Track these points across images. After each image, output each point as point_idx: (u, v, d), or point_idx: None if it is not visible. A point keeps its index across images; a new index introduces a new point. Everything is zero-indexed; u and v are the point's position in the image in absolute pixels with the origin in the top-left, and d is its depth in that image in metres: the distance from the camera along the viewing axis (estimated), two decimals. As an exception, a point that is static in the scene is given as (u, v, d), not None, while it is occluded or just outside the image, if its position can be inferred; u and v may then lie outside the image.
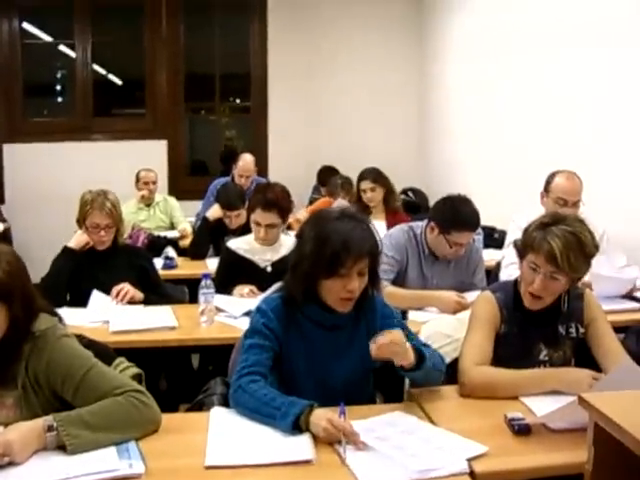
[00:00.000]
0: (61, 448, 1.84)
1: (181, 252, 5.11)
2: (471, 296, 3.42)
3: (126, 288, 3.49)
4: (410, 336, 2.37)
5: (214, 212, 4.94)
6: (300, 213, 4.98)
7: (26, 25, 7.93)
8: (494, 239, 5.28)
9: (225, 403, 2.28)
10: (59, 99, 8.99)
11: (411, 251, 3.66)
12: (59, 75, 8.85)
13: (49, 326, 2.09)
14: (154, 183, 6.42)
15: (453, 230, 3.48)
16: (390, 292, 3.33)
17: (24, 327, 2.01)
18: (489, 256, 4.50)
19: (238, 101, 8.93)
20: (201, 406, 2.37)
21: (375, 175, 5.41)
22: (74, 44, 7.92)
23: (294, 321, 2.31)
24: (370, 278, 2.29)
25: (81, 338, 2.23)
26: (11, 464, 1.76)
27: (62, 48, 8.23)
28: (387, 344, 2.11)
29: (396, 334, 2.15)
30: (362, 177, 5.44)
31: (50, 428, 1.84)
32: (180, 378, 3.43)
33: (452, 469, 1.80)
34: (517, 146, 5.66)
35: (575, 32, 4.80)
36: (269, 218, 3.71)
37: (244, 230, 4.34)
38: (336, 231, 2.20)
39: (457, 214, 3.48)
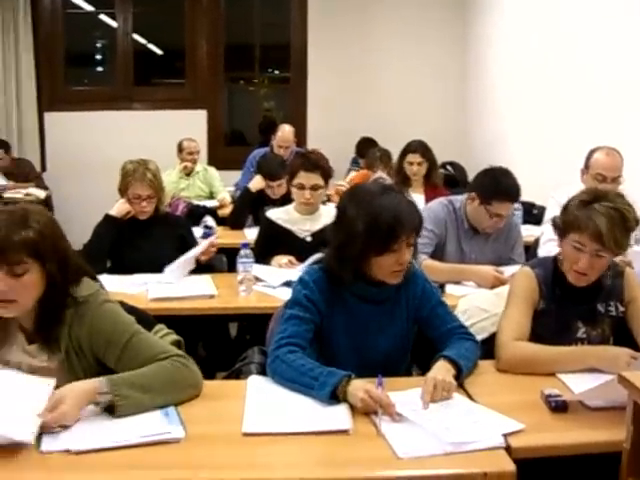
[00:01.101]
0: (106, 411, 1.90)
1: (219, 221, 5.15)
2: (509, 271, 3.41)
3: None
4: (446, 317, 2.40)
5: (256, 183, 4.93)
6: (340, 184, 4.96)
7: (67, -5, 7.98)
8: (533, 215, 5.22)
9: (262, 372, 2.30)
10: (99, 68, 9.06)
11: (450, 225, 3.64)
12: (99, 44, 8.91)
13: (92, 292, 2.13)
14: (197, 153, 6.46)
15: (494, 200, 3.46)
16: (428, 265, 3.33)
17: (62, 287, 2.04)
18: (528, 232, 4.47)
19: (277, 72, 8.91)
20: (238, 374, 2.41)
21: (423, 149, 5.35)
22: (115, 14, 7.95)
23: (337, 294, 2.32)
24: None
25: (122, 304, 2.25)
26: (61, 428, 1.81)
27: (103, 18, 8.28)
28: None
29: (436, 383, 2.08)
30: (410, 150, 5.37)
31: (101, 388, 1.89)
32: (217, 346, 3.47)
33: (488, 443, 1.80)
34: (558, 122, 5.58)
35: (622, 7, 4.70)
36: (313, 179, 3.70)
37: (283, 201, 4.35)
38: (386, 207, 2.20)
39: (498, 184, 3.46)
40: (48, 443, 1.77)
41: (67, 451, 1.73)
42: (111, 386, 1.90)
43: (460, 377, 2.18)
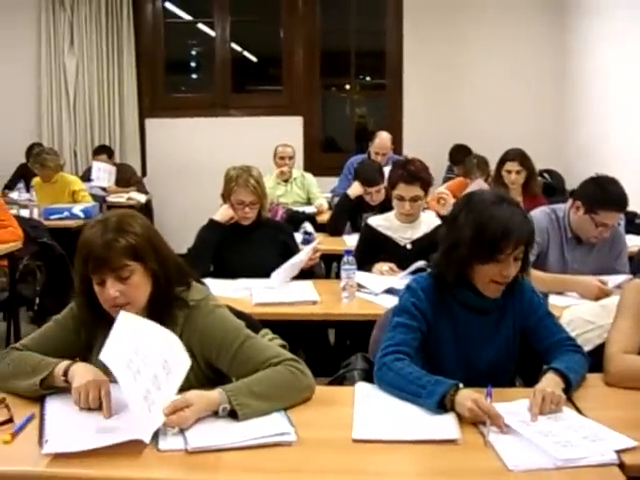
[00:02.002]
0: (229, 416, 1.94)
1: (318, 227, 5.20)
2: (612, 281, 3.34)
3: None
4: (554, 328, 2.37)
5: (355, 190, 4.97)
6: (441, 192, 4.93)
7: (168, 5, 8.23)
8: (635, 224, 5.10)
9: (366, 378, 2.32)
10: (196, 75, 9.29)
11: (553, 234, 3.58)
12: (196, 52, 9.13)
13: (202, 297, 2.20)
14: (290, 158, 6.51)
15: (600, 209, 3.38)
16: (531, 275, 3.29)
17: (167, 285, 2.12)
18: (630, 242, 4.35)
19: (368, 78, 8.93)
20: (342, 380, 2.43)
21: (522, 157, 5.28)
22: (213, 22, 8.14)
23: (444, 302, 2.32)
24: (521, 263, 2.28)
25: (229, 309, 2.30)
26: (184, 430, 1.86)
27: (201, 26, 8.48)
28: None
29: (545, 395, 2.04)
30: (508, 158, 5.32)
31: (222, 400, 1.93)
32: (317, 352, 3.51)
33: (600, 459, 1.75)
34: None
35: None
36: (413, 191, 3.71)
37: (383, 207, 4.37)
38: (496, 217, 2.19)
39: (605, 193, 3.38)
40: (166, 441, 1.82)
41: (185, 450, 1.79)
42: (231, 396, 1.93)
43: (569, 391, 2.14)
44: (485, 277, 2.24)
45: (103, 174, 7.29)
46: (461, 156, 6.67)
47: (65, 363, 2.07)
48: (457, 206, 2.40)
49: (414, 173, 3.72)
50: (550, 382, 2.11)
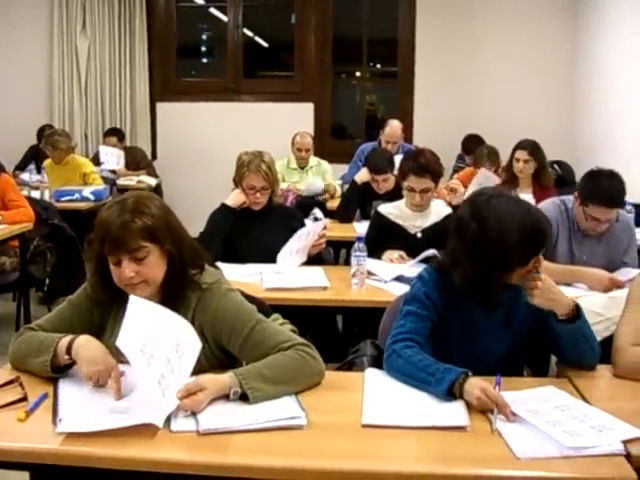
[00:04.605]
0: (240, 399, 1.96)
1: (328, 214, 5.21)
2: (621, 274, 3.35)
3: None
4: None
5: (362, 176, 5.00)
6: (453, 182, 4.93)
7: (181, -12, 8.21)
8: (646, 218, 5.07)
9: (375, 365, 2.34)
10: (206, 60, 9.28)
11: (562, 225, 3.59)
12: (207, 37, 9.12)
13: (215, 279, 2.22)
14: (307, 151, 6.41)
15: (589, 202, 3.40)
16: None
17: (182, 267, 2.14)
18: (640, 235, 4.35)
19: (379, 66, 8.91)
20: (351, 366, 2.45)
21: (532, 148, 5.28)
22: (225, 7, 8.12)
23: (454, 295, 2.32)
24: None
25: (240, 293, 2.31)
26: (196, 413, 1.88)
27: (213, 11, 8.47)
28: (542, 291, 2.17)
29: (546, 282, 2.19)
30: (519, 146, 5.32)
31: (233, 383, 1.95)
32: (326, 337, 3.53)
33: (607, 449, 1.77)
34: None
35: None
36: (423, 183, 3.72)
37: (391, 195, 4.37)
38: (515, 227, 2.17)
39: (597, 187, 3.38)
40: (178, 422, 1.85)
41: (196, 431, 1.81)
42: (242, 380, 1.95)
43: (578, 320, 2.23)
44: (511, 279, 2.25)
45: (111, 157, 7.31)
46: (473, 146, 6.64)
47: (66, 340, 2.08)
48: (462, 208, 2.34)
49: (425, 165, 3.73)
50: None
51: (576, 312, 2.24)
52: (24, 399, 1.96)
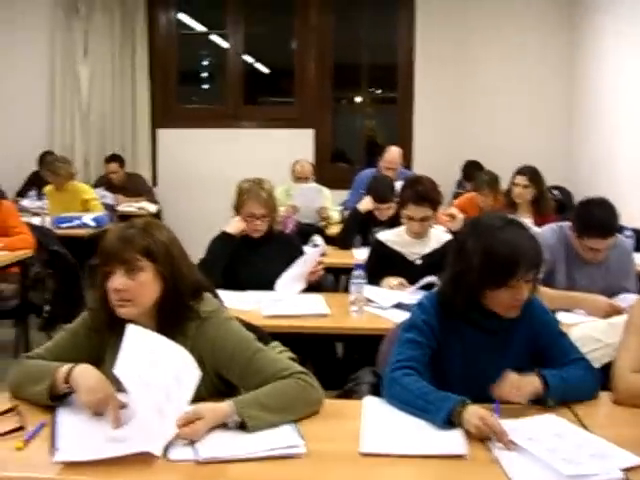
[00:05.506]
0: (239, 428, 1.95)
1: (328, 240, 5.21)
2: (620, 300, 3.35)
3: None
4: (567, 349, 2.36)
5: (365, 204, 5.02)
6: (449, 209, 4.95)
7: (182, 16, 8.30)
8: (645, 243, 5.08)
9: (374, 392, 2.34)
10: (207, 86, 9.34)
11: (560, 251, 3.60)
12: (206, 63, 9.19)
13: (214, 308, 2.22)
14: (306, 179, 6.44)
15: (585, 235, 3.43)
16: (539, 292, 3.29)
17: (178, 294, 2.15)
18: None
19: (379, 91, 8.96)
20: (350, 394, 2.45)
21: (532, 174, 5.35)
22: (226, 34, 8.20)
23: (453, 321, 2.33)
24: None
25: (239, 321, 2.31)
26: (194, 441, 1.88)
27: (214, 38, 8.54)
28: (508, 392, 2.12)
29: (511, 379, 2.14)
30: (519, 172, 5.40)
31: (232, 412, 1.94)
32: (325, 365, 3.52)
33: (606, 477, 1.76)
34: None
35: None
36: (422, 212, 3.74)
37: (392, 221, 4.38)
38: (504, 242, 2.19)
39: (589, 219, 3.41)
40: (176, 451, 1.84)
41: (195, 460, 1.80)
42: (240, 409, 1.94)
43: (547, 395, 2.16)
44: (498, 302, 2.24)
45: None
46: (473, 172, 6.68)
47: (65, 369, 2.07)
48: (464, 231, 2.42)
49: (423, 194, 3.75)
50: (524, 377, 2.16)
51: (545, 384, 2.17)
52: (22, 428, 1.95)
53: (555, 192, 7.04)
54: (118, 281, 2.07)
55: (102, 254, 2.10)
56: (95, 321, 2.21)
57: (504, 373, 2.12)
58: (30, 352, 2.28)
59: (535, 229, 3.97)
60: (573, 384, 2.24)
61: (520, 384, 2.12)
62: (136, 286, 2.09)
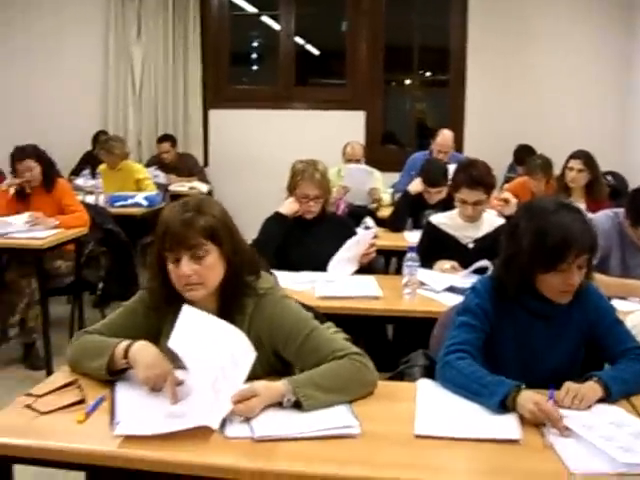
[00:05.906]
0: (293, 407, 1.97)
1: (379, 222, 5.20)
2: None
3: None
4: (622, 336, 2.32)
5: (416, 186, 4.99)
6: (502, 194, 4.90)
7: (234, -3, 8.29)
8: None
9: (426, 375, 2.34)
10: (258, 68, 9.36)
11: (615, 238, 3.55)
12: (257, 45, 9.20)
13: (271, 285, 2.25)
14: (357, 161, 6.42)
15: (638, 224, 3.38)
16: (595, 279, 3.26)
17: (239, 272, 2.17)
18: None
19: (428, 74, 8.89)
20: (402, 376, 2.45)
21: (586, 158, 5.25)
22: (278, 16, 8.19)
23: (507, 306, 2.31)
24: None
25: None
26: (250, 418, 1.90)
27: (265, 19, 8.54)
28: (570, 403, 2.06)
29: (572, 389, 2.08)
30: (573, 156, 5.30)
31: (287, 392, 1.96)
32: (377, 347, 3.53)
33: (664, 467, 1.74)
34: None
35: None
36: (475, 195, 3.71)
37: (443, 204, 4.36)
38: (556, 225, 2.16)
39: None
40: (233, 428, 1.87)
41: (250, 438, 1.83)
42: (295, 388, 1.96)
43: (609, 400, 2.10)
44: (550, 286, 2.22)
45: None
46: (525, 156, 6.60)
47: (124, 345, 2.11)
48: (517, 214, 2.39)
49: (477, 178, 3.71)
50: (585, 385, 2.11)
51: (606, 389, 2.12)
52: (82, 401, 2.00)
53: (609, 177, 6.93)
54: (187, 267, 2.09)
55: (165, 239, 2.11)
56: (153, 299, 2.24)
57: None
58: (88, 328, 2.33)
59: (589, 215, 3.92)
60: (634, 381, 2.19)
61: (581, 393, 2.07)
62: (204, 270, 2.11)
